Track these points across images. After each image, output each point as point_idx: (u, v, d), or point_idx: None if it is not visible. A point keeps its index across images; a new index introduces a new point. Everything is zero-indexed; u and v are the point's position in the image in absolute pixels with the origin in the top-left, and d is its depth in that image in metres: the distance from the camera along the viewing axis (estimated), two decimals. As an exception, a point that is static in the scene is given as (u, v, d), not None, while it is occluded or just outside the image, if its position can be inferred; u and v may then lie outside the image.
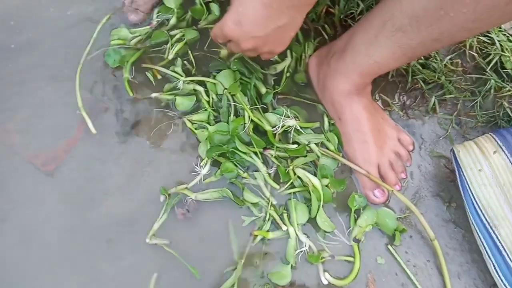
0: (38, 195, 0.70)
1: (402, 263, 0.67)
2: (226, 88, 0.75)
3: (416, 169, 0.75)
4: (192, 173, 0.70)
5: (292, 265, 0.66)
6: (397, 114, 0.79)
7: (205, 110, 0.75)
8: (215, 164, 0.72)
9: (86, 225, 0.68)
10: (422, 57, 0.79)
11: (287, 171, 0.71)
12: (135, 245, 0.67)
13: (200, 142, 0.73)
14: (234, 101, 0.74)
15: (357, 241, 0.68)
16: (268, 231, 0.67)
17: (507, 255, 0.62)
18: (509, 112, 0.74)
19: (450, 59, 0.79)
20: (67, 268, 0.65)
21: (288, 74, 0.80)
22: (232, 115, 0.74)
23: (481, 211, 0.65)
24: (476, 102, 0.77)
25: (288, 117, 0.74)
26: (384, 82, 0.80)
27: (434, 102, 0.78)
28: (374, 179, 0.70)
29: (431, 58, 0.79)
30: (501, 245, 0.63)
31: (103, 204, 0.69)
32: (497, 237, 0.63)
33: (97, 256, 0.66)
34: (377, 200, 0.70)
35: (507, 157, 0.66)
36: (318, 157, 0.73)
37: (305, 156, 0.72)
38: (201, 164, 0.71)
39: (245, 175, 0.70)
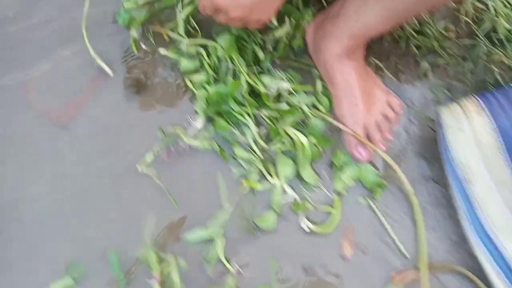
0: (52, 146, 0.79)
1: (379, 214, 0.72)
2: (224, 49, 0.80)
3: (403, 132, 0.79)
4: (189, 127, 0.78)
5: (277, 212, 0.72)
6: (389, 78, 0.82)
7: (206, 71, 0.81)
8: (211, 123, 0.79)
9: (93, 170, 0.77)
10: (416, 23, 0.81)
11: (277, 129, 0.76)
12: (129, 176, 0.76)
13: (199, 101, 0.80)
14: (233, 64, 0.79)
15: (339, 194, 0.74)
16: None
17: (480, 210, 0.66)
18: (499, 78, 0.76)
19: (444, 25, 0.81)
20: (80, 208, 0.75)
21: (286, 41, 0.84)
22: (230, 77, 0.80)
23: (458, 168, 0.68)
24: (466, 67, 0.79)
25: (283, 80, 0.79)
26: (378, 47, 0.83)
27: (426, 68, 0.80)
28: (359, 137, 0.74)
29: (425, 24, 0.81)
30: (475, 201, 0.67)
31: (112, 152, 0.78)
32: (471, 194, 0.67)
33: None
34: (361, 158, 0.75)
35: (489, 119, 0.69)
36: (308, 117, 0.78)
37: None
38: (197, 119, 0.78)
39: (236, 132, 0.77)
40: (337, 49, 0.73)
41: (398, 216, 0.72)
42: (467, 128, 0.70)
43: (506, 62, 0.77)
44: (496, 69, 0.76)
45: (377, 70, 0.82)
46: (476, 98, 0.72)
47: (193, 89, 0.81)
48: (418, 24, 0.82)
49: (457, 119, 0.71)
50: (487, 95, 0.72)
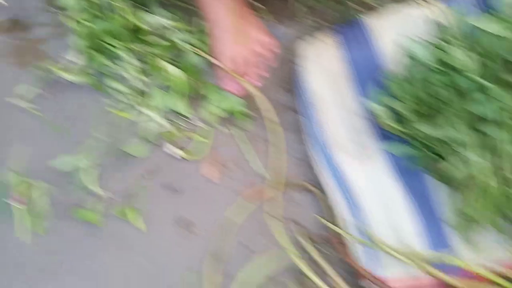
0: None
1: (245, 141, 0.79)
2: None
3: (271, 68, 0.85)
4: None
5: (150, 141, 0.77)
6: (267, 19, 0.87)
7: (87, 8, 0.83)
8: (89, 57, 0.82)
9: None
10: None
11: (154, 63, 0.80)
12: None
13: (77, 36, 0.82)
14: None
15: (209, 124, 0.80)
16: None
17: (321, 133, 0.73)
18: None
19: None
20: None
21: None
22: (111, 13, 0.82)
23: (310, 96, 0.75)
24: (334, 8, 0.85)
25: (164, 17, 0.82)
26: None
27: (301, 9, 0.86)
28: (231, 72, 0.79)
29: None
30: (323, 126, 0.74)
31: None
32: (317, 119, 0.74)
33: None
34: (232, 90, 0.81)
35: (343, 51, 0.76)
36: (184, 53, 0.82)
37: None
38: (74, 54, 0.81)
39: (114, 66, 0.80)
40: None
41: (261, 143, 0.79)
42: (322, 60, 0.77)
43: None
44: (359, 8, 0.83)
45: (257, 11, 0.87)
46: (332, 32, 0.79)
47: (73, 25, 0.83)
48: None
49: (314, 52, 0.77)
50: (343, 29, 0.78)
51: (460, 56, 0.61)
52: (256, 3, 0.87)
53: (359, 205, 0.69)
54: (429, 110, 0.65)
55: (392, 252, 0.64)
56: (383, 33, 0.75)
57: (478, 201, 0.61)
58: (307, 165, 0.78)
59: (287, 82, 0.83)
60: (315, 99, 0.76)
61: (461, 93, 0.62)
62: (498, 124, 0.59)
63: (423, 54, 0.65)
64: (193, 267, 0.72)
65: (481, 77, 0.59)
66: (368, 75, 0.73)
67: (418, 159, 0.68)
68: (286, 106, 0.82)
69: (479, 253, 0.63)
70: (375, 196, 0.69)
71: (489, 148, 0.60)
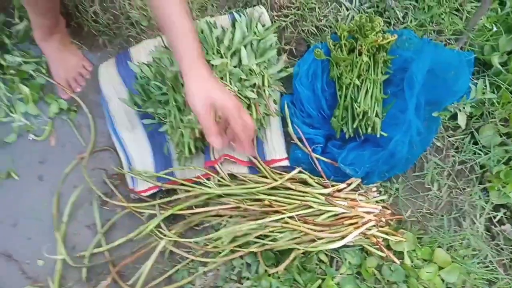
0: None
1: (74, 125, 1.34)
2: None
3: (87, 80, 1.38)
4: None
5: (16, 132, 1.32)
6: (85, 49, 1.40)
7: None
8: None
9: None
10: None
11: (13, 85, 1.34)
12: None
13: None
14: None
15: (52, 117, 1.34)
16: None
17: (112, 117, 1.28)
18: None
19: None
20: None
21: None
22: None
23: (104, 96, 1.30)
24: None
25: (20, 56, 1.35)
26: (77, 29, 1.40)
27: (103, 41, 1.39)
28: (61, 87, 1.33)
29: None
30: (111, 111, 1.29)
31: None
32: (109, 109, 1.29)
33: None
34: (63, 97, 1.35)
35: (117, 68, 1.30)
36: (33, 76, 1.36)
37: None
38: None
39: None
40: (36, 33, 1.29)
41: (85, 127, 1.34)
42: (108, 73, 1.31)
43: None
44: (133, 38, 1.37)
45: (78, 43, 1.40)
46: (115, 57, 1.33)
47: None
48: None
49: (105, 69, 1.32)
50: (119, 55, 1.33)
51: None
52: (74, 40, 1.40)
53: (129, 154, 1.25)
54: (152, 100, 1.20)
55: (140, 176, 1.20)
56: (137, 57, 1.30)
57: (178, 143, 1.17)
58: (109, 137, 1.33)
59: (98, 88, 1.38)
60: (107, 98, 1.30)
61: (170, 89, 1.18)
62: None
63: (146, 70, 1.20)
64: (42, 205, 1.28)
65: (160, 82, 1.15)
66: (131, 82, 1.28)
67: (157, 126, 1.24)
68: (97, 103, 1.36)
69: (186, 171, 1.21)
70: (137, 148, 1.26)
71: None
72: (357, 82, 1.10)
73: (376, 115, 1.10)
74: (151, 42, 1.30)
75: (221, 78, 1.07)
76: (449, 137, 1.27)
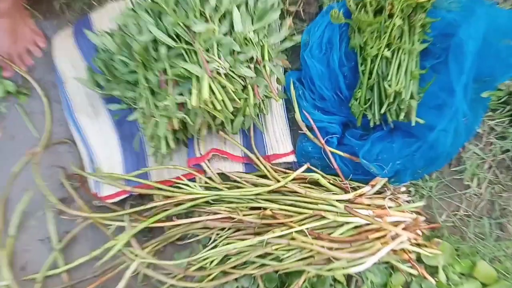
0: None
1: (24, 111, 1.06)
2: None
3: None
4: None
5: None
6: (40, 20, 1.11)
7: None
8: None
9: None
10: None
11: None
12: None
13: None
14: None
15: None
16: None
17: (69, 101, 1.01)
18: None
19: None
20: None
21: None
22: None
23: (60, 75, 1.02)
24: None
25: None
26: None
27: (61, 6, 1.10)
28: (7, 62, 1.05)
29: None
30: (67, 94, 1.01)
31: None
32: (66, 91, 1.01)
33: None
34: (6, 76, 1.06)
35: (76, 39, 1.02)
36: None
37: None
38: None
39: None
40: None
41: (39, 114, 1.06)
42: (64, 47, 1.03)
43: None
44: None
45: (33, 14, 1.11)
46: (71, 26, 1.04)
47: None
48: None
49: (60, 41, 1.03)
50: (77, 23, 1.04)
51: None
52: (29, 7, 1.11)
53: (92, 149, 0.99)
54: (118, 79, 0.93)
55: (104, 178, 0.94)
56: (99, 24, 1.02)
57: (153, 136, 0.90)
58: (68, 126, 1.06)
59: (53, 65, 1.09)
60: (63, 77, 1.03)
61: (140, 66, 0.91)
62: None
63: (108, 41, 0.91)
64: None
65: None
66: (90, 57, 1.00)
67: (127, 112, 0.97)
68: (54, 84, 1.08)
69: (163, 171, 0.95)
70: (101, 141, 0.99)
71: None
72: (387, 53, 0.83)
73: (412, 97, 0.84)
74: (116, 5, 1.01)
75: (207, 50, 0.79)
76: (489, 120, 1.02)
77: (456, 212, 1.04)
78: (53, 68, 1.07)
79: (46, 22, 1.12)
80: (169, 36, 0.79)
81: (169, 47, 0.80)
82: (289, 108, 0.98)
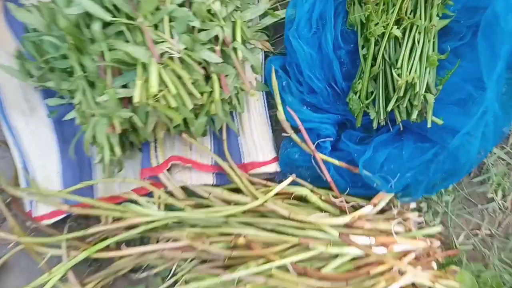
0: None
1: None
2: None
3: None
4: None
5: None
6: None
7: None
8: None
9: None
10: None
11: None
12: None
13: None
14: None
15: None
16: None
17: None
18: None
19: None
20: None
21: None
22: None
23: None
24: None
25: None
26: None
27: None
28: None
29: None
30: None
31: None
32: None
33: None
34: None
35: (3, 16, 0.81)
36: None
37: None
38: None
39: None
40: None
41: None
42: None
43: None
44: None
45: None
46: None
47: None
48: None
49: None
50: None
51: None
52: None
53: (26, 154, 0.79)
54: (52, 67, 0.73)
55: (39, 197, 0.74)
56: None
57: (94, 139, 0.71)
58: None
59: None
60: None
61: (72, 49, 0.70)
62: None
63: (34, 17, 0.71)
64: None
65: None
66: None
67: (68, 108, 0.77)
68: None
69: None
70: (36, 144, 0.79)
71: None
72: (396, 32, 0.63)
73: (428, 90, 0.64)
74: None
75: (155, 27, 0.59)
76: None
77: (477, 231, 0.85)
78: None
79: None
80: (105, 7, 0.59)
81: (105, 23, 0.60)
82: (271, 104, 0.78)
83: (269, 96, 0.78)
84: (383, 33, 0.64)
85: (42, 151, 0.79)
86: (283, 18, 0.72)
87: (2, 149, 0.86)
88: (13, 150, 0.81)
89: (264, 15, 0.73)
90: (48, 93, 0.80)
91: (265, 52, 0.76)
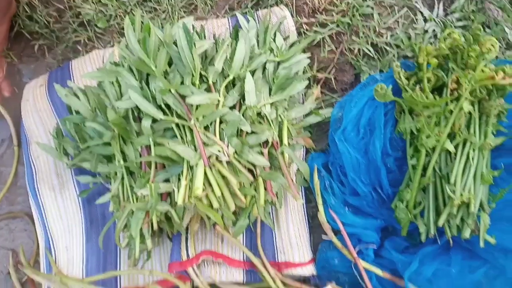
0: None
1: None
2: None
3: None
4: None
5: None
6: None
7: None
8: None
9: None
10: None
11: None
12: None
13: None
14: None
15: None
16: None
17: (32, 165, 0.79)
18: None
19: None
20: None
21: None
22: None
23: (25, 132, 0.82)
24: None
25: None
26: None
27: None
28: None
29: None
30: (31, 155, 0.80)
31: None
32: (31, 153, 0.81)
33: None
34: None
35: (49, 90, 0.82)
36: None
37: None
38: None
39: None
40: None
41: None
42: (35, 98, 0.83)
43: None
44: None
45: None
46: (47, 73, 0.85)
47: None
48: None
49: (30, 91, 0.84)
50: (55, 71, 0.85)
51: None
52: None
53: (50, 233, 0.76)
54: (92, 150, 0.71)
55: (59, 283, 0.71)
56: (79, 75, 0.82)
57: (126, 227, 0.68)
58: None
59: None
60: (29, 136, 0.82)
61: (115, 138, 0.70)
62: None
63: (80, 102, 0.71)
64: None
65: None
66: (64, 111, 0.79)
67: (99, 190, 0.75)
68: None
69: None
70: (62, 224, 0.76)
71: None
72: (450, 146, 0.62)
73: (481, 207, 0.61)
74: (102, 52, 0.82)
75: (205, 128, 0.58)
76: None
77: None
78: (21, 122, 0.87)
79: (23, 65, 0.94)
80: (157, 105, 0.58)
81: (155, 120, 0.60)
82: (309, 200, 0.76)
83: (308, 191, 0.76)
84: (436, 147, 0.62)
85: (68, 230, 0.76)
86: (328, 118, 0.72)
87: (25, 222, 0.83)
88: (38, 224, 0.78)
89: (308, 114, 0.72)
90: (80, 171, 0.79)
91: (306, 148, 0.75)
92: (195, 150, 0.57)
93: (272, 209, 0.74)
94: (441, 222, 0.62)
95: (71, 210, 0.77)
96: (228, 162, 0.59)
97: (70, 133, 0.73)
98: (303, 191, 0.76)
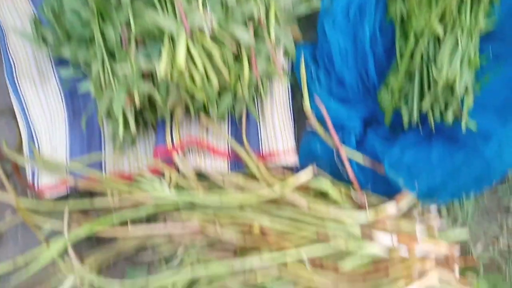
0: None
1: None
2: None
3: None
4: None
5: None
6: None
7: None
8: None
9: None
10: None
11: None
12: None
13: None
14: None
15: None
16: None
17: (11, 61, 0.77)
18: None
19: None
20: None
21: None
22: None
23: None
24: None
25: None
26: None
27: None
28: None
29: None
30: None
31: None
32: (9, 48, 0.77)
33: None
34: None
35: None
36: None
37: None
38: None
39: None
40: None
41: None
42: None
43: None
44: None
45: None
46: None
47: None
48: None
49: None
50: None
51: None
52: None
53: (33, 125, 0.75)
54: (70, 35, 0.69)
55: (43, 165, 0.71)
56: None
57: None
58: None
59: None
60: (5, 28, 0.78)
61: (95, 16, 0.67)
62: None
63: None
64: None
65: None
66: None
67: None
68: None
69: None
70: (45, 116, 0.75)
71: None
72: (439, 29, 0.60)
73: (466, 92, 0.61)
74: None
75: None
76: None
77: (495, 238, 0.83)
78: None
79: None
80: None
81: (135, -7, 0.57)
82: (294, 93, 0.75)
83: (294, 85, 0.75)
84: (423, 31, 0.61)
85: (51, 122, 0.75)
86: (317, 7, 0.69)
87: (6, 116, 0.82)
88: (20, 118, 0.77)
89: (298, 3, 0.69)
90: (61, 65, 0.76)
91: (294, 40, 0.73)
92: (177, 20, 0.55)
93: (257, 102, 0.74)
94: (425, 105, 0.63)
95: (53, 102, 0.76)
96: (211, 37, 0.57)
97: (48, 19, 0.70)
98: (289, 86, 0.75)
